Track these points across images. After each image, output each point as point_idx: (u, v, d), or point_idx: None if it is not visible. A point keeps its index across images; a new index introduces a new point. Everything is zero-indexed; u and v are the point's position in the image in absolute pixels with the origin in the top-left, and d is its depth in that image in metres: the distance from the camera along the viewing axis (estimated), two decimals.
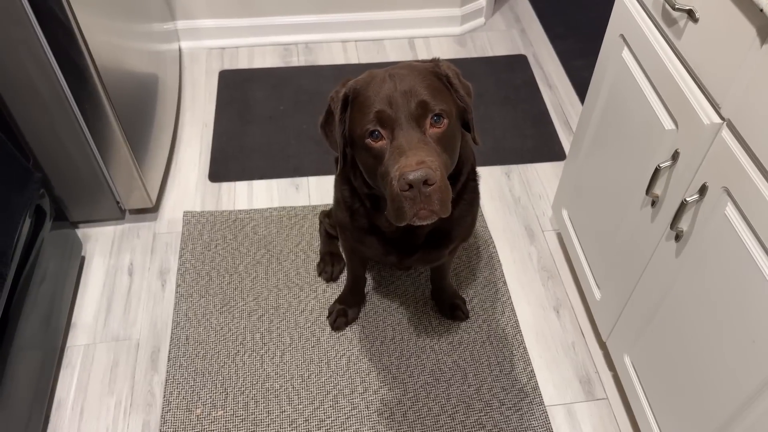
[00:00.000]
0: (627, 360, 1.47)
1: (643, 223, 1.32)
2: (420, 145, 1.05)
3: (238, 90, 2.45)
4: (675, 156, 1.18)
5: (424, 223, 1.06)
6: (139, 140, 1.86)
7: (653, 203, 1.27)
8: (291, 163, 2.18)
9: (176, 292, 1.80)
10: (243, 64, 2.57)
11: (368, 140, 1.09)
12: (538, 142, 2.27)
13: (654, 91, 1.25)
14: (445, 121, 1.09)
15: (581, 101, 2.40)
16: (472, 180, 1.35)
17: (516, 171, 2.18)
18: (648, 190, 1.25)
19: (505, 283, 1.85)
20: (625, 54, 1.35)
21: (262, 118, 2.34)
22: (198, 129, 2.30)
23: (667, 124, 1.20)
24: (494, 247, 1.94)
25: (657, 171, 1.20)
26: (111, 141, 1.74)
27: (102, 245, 1.94)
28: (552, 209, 1.92)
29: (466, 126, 1.21)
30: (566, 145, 2.25)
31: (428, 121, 1.08)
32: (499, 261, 1.91)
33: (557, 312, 1.80)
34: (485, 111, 2.38)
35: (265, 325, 1.74)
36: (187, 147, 2.24)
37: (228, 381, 1.62)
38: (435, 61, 1.17)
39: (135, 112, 1.86)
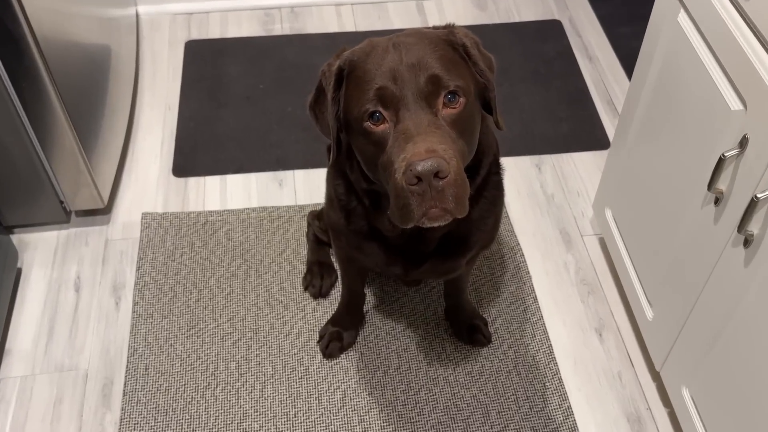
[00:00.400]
0: (685, 393, 1.47)
1: (705, 226, 1.32)
2: (431, 129, 1.05)
3: (209, 65, 2.45)
4: (743, 143, 1.17)
5: (436, 224, 1.06)
6: (87, 126, 1.87)
7: (717, 201, 1.27)
8: (273, 153, 2.19)
9: (133, 312, 1.81)
10: (214, 32, 2.58)
11: (367, 123, 1.09)
12: (576, 127, 2.27)
13: (717, 63, 1.25)
14: (462, 100, 1.09)
15: (628, 77, 2.40)
16: (495, 173, 1.35)
17: (549, 162, 2.18)
18: (710, 185, 1.25)
19: (535, 299, 1.85)
20: (682, 18, 1.35)
21: (237, 98, 2.35)
22: (160, 112, 2.31)
23: (734, 103, 1.20)
24: (522, 255, 1.94)
25: (721, 161, 1.20)
26: (53, 127, 1.74)
27: (42, 254, 1.94)
28: (593, 209, 1.92)
29: (487, 107, 1.21)
30: (610, 131, 2.25)
31: (441, 99, 1.08)
32: (528, 272, 1.91)
33: (600, 335, 1.80)
34: (511, 89, 2.38)
35: (241, 352, 1.74)
36: (146, 135, 2.25)
37: (196, 421, 1.63)
38: (449, 28, 1.18)
39: (82, 91, 1.87)
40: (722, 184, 1.25)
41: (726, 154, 1.19)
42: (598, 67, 2.47)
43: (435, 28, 1.19)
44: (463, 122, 1.11)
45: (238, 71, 2.43)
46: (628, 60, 2.46)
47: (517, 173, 2.15)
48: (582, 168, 2.17)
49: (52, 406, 1.66)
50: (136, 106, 2.33)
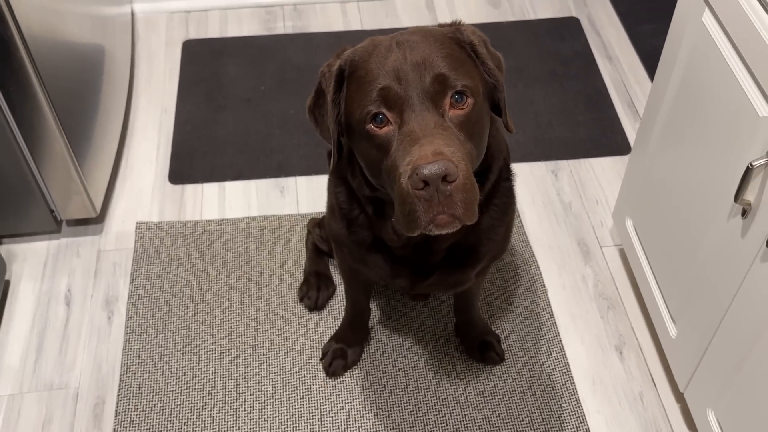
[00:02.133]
0: (711, 416, 1.46)
1: (732, 239, 1.31)
2: (437, 131, 1.04)
3: (207, 65, 2.46)
4: None
5: (444, 232, 1.06)
6: (79, 131, 1.87)
7: (744, 213, 1.26)
8: (274, 159, 2.19)
9: (126, 327, 1.81)
10: (213, 31, 2.59)
11: (370, 126, 1.09)
12: (595, 131, 2.26)
13: (744, 66, 1.24)
14: (470, 100, 1.09)
15: (650, 77, 2.39)
16: (506, 179, 1.34)
17: (566, 168, 2.17)
18: (737, 196, 1.23)
19: (551, 314, 1.84)
20: (707, 18, 1.34)
21: (237, 101, 2.35)
22: (155, 116, 2.31)
23: (762, 109, 1.19)
24: (537, 267, 1.93)
25: (749, 170, 1.19)
26: (43, 132, 1.75)
27: (32, 266, 1.94)
28: (613, 218, 1.90)
29: (496, 108, 1.20)
30: (631, 135, 2.24)
31: (448, 100, 1.08)
32: (544, 286, 1.90)
33: (620, 353, 1.79)
34: (525, 90, 2.37)
35: (240, 370, 1.73)
36: (141, 139, 2.25)
37: None
38: (456, 25, 1.17)
39: (74, 94, 1.87)
40: (750, 195, 1.23)
41: (754, 164, 1.18)
42: (618, 68, 2.46)
43: (441, 25, 1.19)
44: (472, 124, 1.10)
45: (238, 72, 2.43)
46: (650, 60, 2.45)
47: (532, 180, 2.14)
48: (601, 175, 2.15)
49: (41, 427, 1.66)
50: (130, 110, 2.33)
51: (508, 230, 1.41)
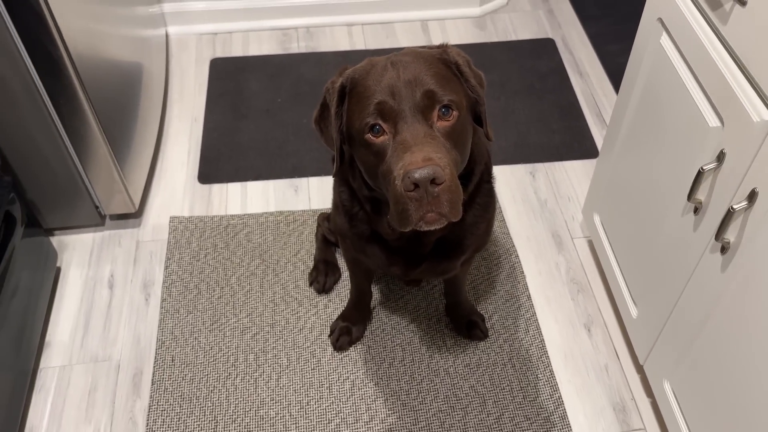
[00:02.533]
0: (667, 386, 1.45)
1: (685, 233, 1.30)
2: (427, 140, 1.04)
3: (232, 80, 2.45)
4: (720, 157, 1.15)
5: (432, 227, 1.05)
6: (120, 138, 1.86)
7: (696, 210, 1.25)
8: (289, 162, 2.18)
9: (161, 308, 1.80)
10: (237, 51, 2.57)
11: (368, 135, 1.08)
12: (567, 138, 2.25)
13: (697, 83, 1.23)
14: (455, 113, 1.08)
15: (616, 91, 2.37)
16: (487, 181, 1.33)
17: (542, 170, 2.16)
18: (690, 196, 1.22)
19: (529, 297, 1.83)
20: (664, 40, 1.33)
21: (257, 111, 2.34)
22: (187, 124, 2.31)
23: (712, 120, 1.18)
24: (517, 256, 1.92)
25: (700, 174, 1.18)
26: (88, 139, 1.74)
27: (79, 254, 1.94)
28: (582, 214, 1.89)
29: (478, 120, 1.20)
30: (599, 141, 2.23)
31: (436, 113, 1.07)
32: (523, 272, 1.89)
33: (588, 330, 1.78)
34: (507, 102, 2.36)
35: (259, 345, 1.73)
36: (174, 145, 2.24)
37: (218, 408, 1.62)
38: (443, 47, 1.16)
39: (115, 106, 1.87)
40: (701, 195, 1.23)
41: (704, 168, 1.17)
42: (588, 82, 2.44)
43: (430, 47, 1.18)
44: (456, 134, 1.09)
45: (259, 86, 2.42)
46: (616, 75, 2.43)
47: (513, 180, 2.13)
48: (573, 175, 2.14)
49: (87, 394, 1.66)
50: (165, 119, 2.32)
51: (489, 225, 1.40)
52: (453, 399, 1.64)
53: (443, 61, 1.14)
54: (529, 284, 1.87)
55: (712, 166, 1.17)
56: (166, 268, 1.89)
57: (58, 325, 1.79)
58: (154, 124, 2.19)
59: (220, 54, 2.56)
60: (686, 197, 1.24)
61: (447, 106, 1.07)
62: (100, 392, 1.67)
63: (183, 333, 1.75)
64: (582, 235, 1.99)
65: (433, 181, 0.99)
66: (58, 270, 1.90)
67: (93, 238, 1.98)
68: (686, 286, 1.32)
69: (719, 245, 1.18)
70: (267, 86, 2.42)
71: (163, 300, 1.82)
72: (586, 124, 2.29)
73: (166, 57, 2.51)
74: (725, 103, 1.13)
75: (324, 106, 1.20)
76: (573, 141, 2.24)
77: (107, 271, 1.91)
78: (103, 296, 1.85)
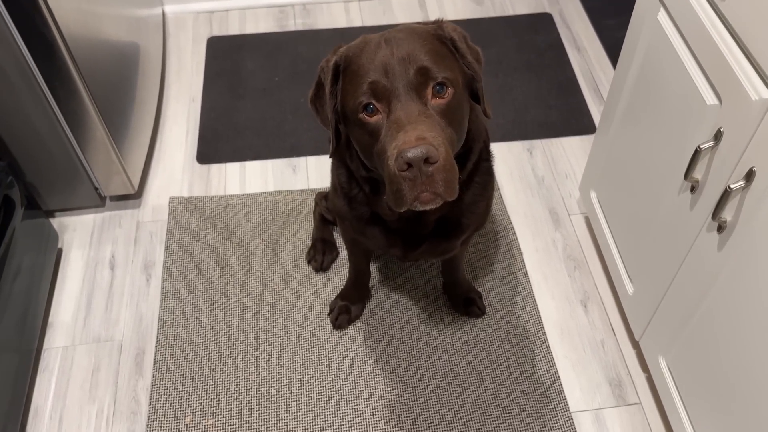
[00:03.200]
0: (662, 362, 1.44)
1: (682, 211, 1.28)
2: (420, 119, 1.01)
3: (229, 59, 2.41)
4: (718, 136, 1.13)
5: (427, 207, 1.03)
6: (117, 119, 1.83)
7: (693, 189, 1.23)
8: (287, 141, 2.15)
9: (162, 288, 1.79)
10: (234, 29, 2.53)
11: (362, 115, 1.06)
12: (565, 114, 2.21)
13: (694, 60, 1.20)
14: (450, 90, 1.05)
15: (613, 66, 2.33)
16: (485, 160, 1.30)
17: (539, 147, 2.13)
18: (687, 174, 1.20)
19: (526, 274, 1.82)
20: (662, 16, 1.29)
21: (255, 90, 2.30)
22: (184, 105, 2.27)
23: (709, 98, 1.15)
24: (514, 233, 1.90)
25: (697, 152, 1.16)
26: (85, 121, 1.71)
27: (80, 236, 1.93)
28: (579, 190, 1.87)
29: (475, 97, 1.17)
30: (596, 117, 2.20)
31: (430, 90, 1.04)
32: (520, 249, 1.87)
33: (585, 307, 1.77)
34: (504, 78, 2.32)
35: (259, 324, 1.72)
36: (172, 125, 2.21)
37: (219, 386, 1.62)
38: (438, 23, 1.13)
39: (112, 87, 1.83)
40: (698, 174, 1.20)
41: (701, 146, 1.15)
42: (586, 57, 2.40)
43: (425, 23, 1.14)
44: (452, 111, 1.07)
45: (255, 65, 2.38)
46: (613, 50, 2.39)
47: (510, 157, 2.10)
48: (570, 152, 2.11)
49: (91, 374, 1.66)
50: (162, 99, 2.29)
51: (488, 204, 1.38)
52: (451, 375, 1.63)
53: (438, 37, 1.10)
54: (526, 261, 1.85)
55: (709, 144, 1.14)
56: (167, 248, 1.87)
57: (61, 306, 1.78)
58: (152, 105, 2.16)
59: (216, 32, 2.52)
60: (683, 176, 1.22)
61: (441, 84, 1.04)
62: (103, 372, 1.66)
63: (184, 313, 1.75)
64: (579, 212, 1.97)
65: (426, 161, 0.97)
66: (60, 251, 1.89)
67: (94, 220, 1.96)
68: (682, 264, 1.30)
69: (716, 224, 1.16)
70: (264, 65, 2.39)
71: (164, 280, 1.81)
72: (584, 100, 2.25)
73: (163, 36, 2.47)
74: (723, 80, 1.10)
75: (319, 85, 1.17)
76: (570, 117, 2.20)
77: (108, 252, 1.89)
78: (104, 277, 1.84)
